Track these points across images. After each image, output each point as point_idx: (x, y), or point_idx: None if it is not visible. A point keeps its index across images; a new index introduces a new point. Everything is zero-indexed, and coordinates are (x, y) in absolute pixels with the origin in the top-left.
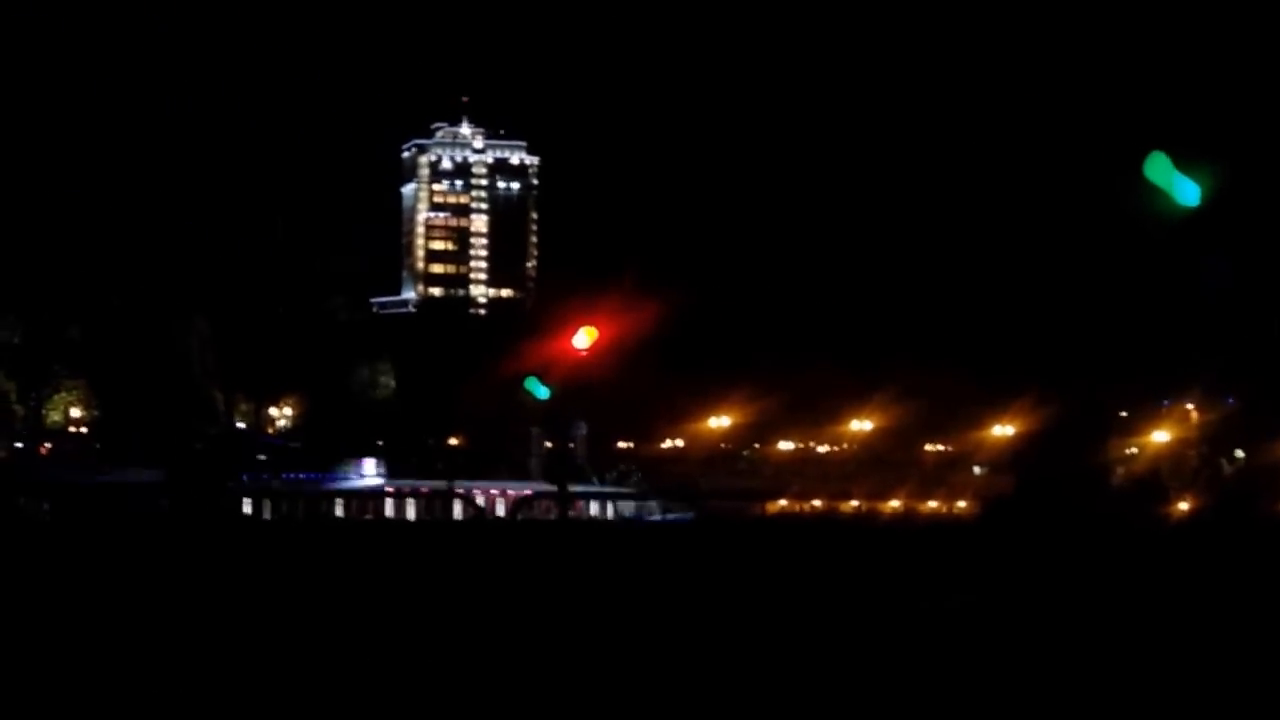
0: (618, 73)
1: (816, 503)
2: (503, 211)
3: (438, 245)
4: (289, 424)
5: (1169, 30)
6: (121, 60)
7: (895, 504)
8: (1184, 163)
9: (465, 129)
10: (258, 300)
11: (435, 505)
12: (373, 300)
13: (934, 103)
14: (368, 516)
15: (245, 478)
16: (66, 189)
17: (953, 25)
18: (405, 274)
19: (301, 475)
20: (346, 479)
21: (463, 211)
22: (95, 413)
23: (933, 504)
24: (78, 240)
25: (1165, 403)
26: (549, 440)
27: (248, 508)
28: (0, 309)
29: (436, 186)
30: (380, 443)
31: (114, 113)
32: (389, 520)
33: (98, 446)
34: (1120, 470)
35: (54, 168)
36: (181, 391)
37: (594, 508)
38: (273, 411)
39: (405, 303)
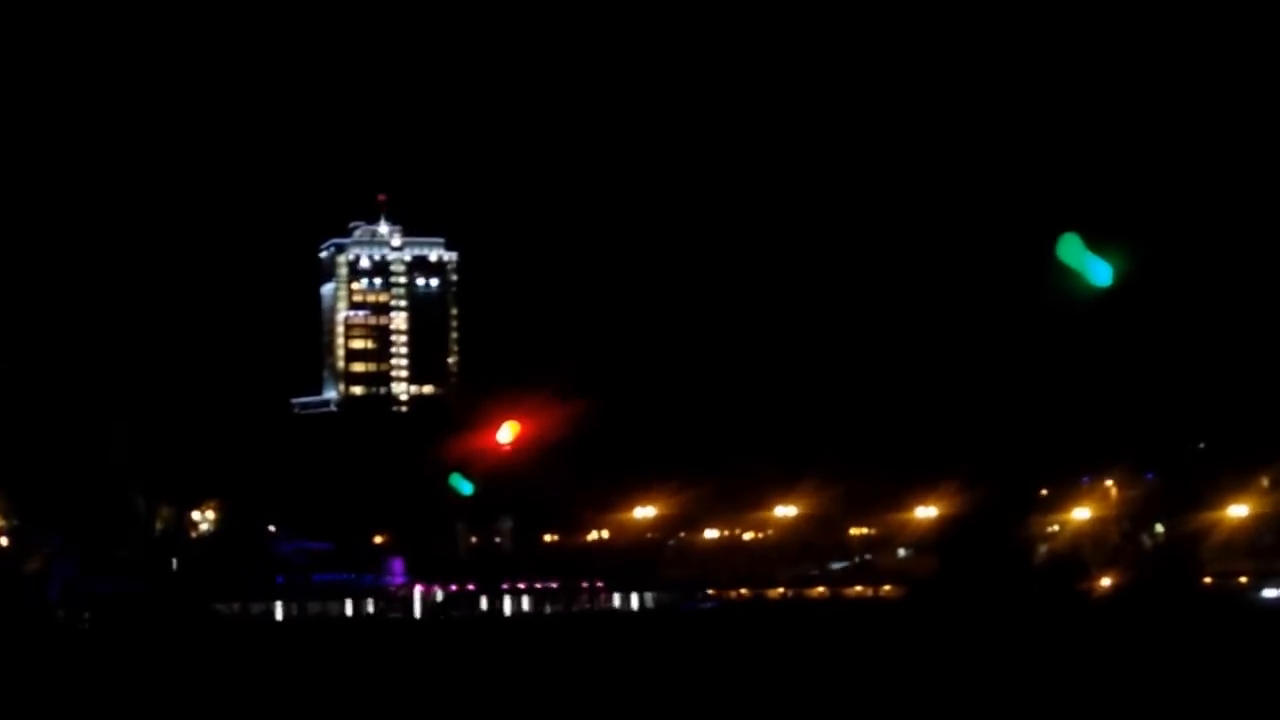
0: (533, 167)
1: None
2: (422, 308)
3: (358, 344)
4: (211, 527)
5: (1080, 112)
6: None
7: (820, 590)
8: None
9: (383, 227)
10: (177, 405)
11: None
12: (294, 400)
13: (853, 184)
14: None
15: (280, 580)
16: None
17: (876, 111)
18: (326, 373)
19: (341, 576)
20: (382, 579)
21: (382, 309)
22: (14, 521)
23: (858, 588)
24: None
25: (1085, 480)
26: (474, 535)
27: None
28: None
29: (355, 285)
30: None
31: (35, 217)
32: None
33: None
34: (1042, 547)
35: None
36: (102, 497)
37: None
38: (195, 515)
39: (327, 402)
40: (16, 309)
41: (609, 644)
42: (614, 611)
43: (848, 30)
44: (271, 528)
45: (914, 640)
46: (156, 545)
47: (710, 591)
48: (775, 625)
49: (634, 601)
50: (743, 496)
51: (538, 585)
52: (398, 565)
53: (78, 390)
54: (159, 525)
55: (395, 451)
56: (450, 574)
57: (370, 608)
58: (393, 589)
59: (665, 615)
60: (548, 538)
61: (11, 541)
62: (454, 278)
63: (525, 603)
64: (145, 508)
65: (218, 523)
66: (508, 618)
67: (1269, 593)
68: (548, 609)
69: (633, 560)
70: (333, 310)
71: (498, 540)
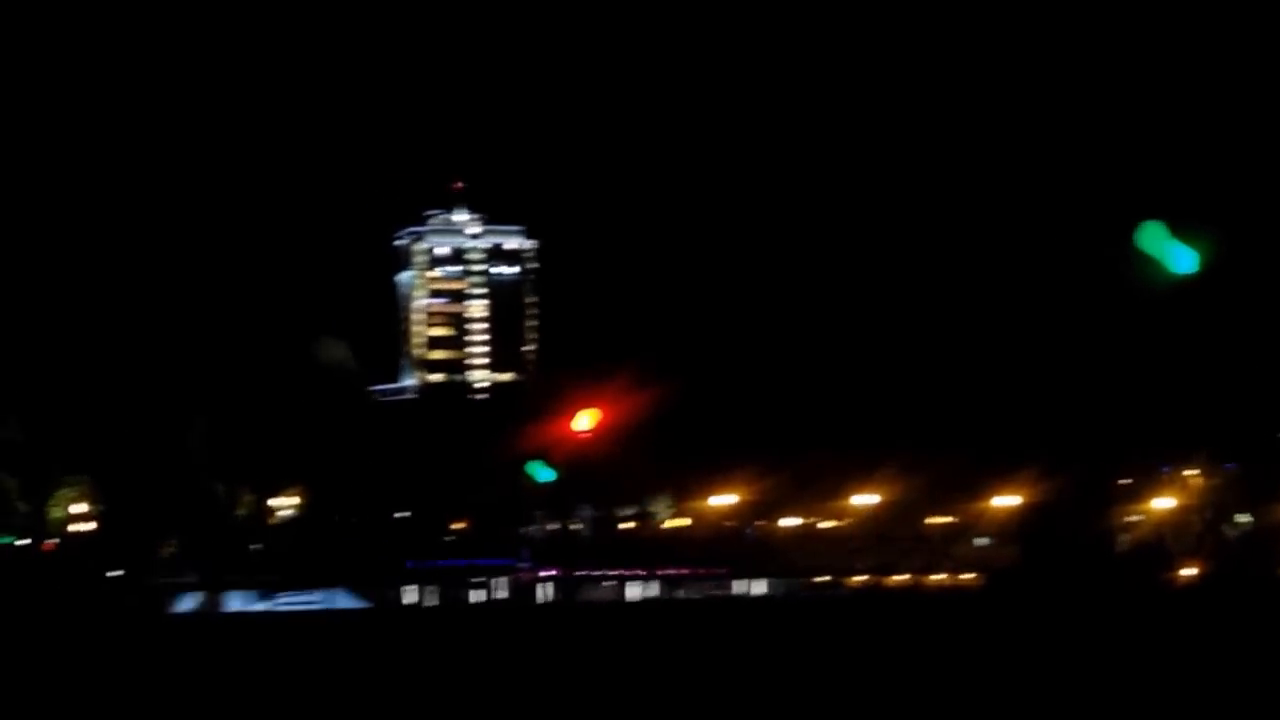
0: (612, 153)
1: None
2: (500, 296)
3: (436, 331)
4: (292, 514)
5: (1166, 100)
6: (119, 155)
7: (901, 577)
8: (1179, 232)
9: (460, 215)
10: (258, 393)
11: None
12: (372, 388)
13: (933, 174)
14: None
15: (410, 564)
16: (68, 287)
17: (953, 94)
18: (404, 361)
19: (460, 562)
20: (518, 564)
21: (460, 297)
22: (99, 508)
23: (938, 576)
24: (79, 338)
25: (1167, 469)
26: (552, 523)
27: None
28: (2, 408)
29: (433, 273)
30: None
31: (113, 214)
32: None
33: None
34: (1124, 537)
35: (55, 266)
36: (183, 485)
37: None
38: (274, 502)
39: (405, 389)
40: (100, 299)
41: (767, 629)
42: (745, 598)
43: (929, 11)
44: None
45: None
46: (237, 532)
47: (834, 579)
48: (903, 613)
49: (759, 588)
50: (820, 484)
51: (624, 572)
52: (526, 551)
53: (161, 378)
54: (239, 512)
55: (473, 439)
56: (573, 560)
57: (502, 593)
58: (521, 573)
59: (797, 602)
60: (624, 525)
61: (100, 527)
62: (532, 265)
63: (654, 589)
64: (225, 494)
65: (298, 509)
66: (651, 602)
67: None
68: (680, 594)
69: (755, 548)
70: (410, 298)
71: (576, 527)
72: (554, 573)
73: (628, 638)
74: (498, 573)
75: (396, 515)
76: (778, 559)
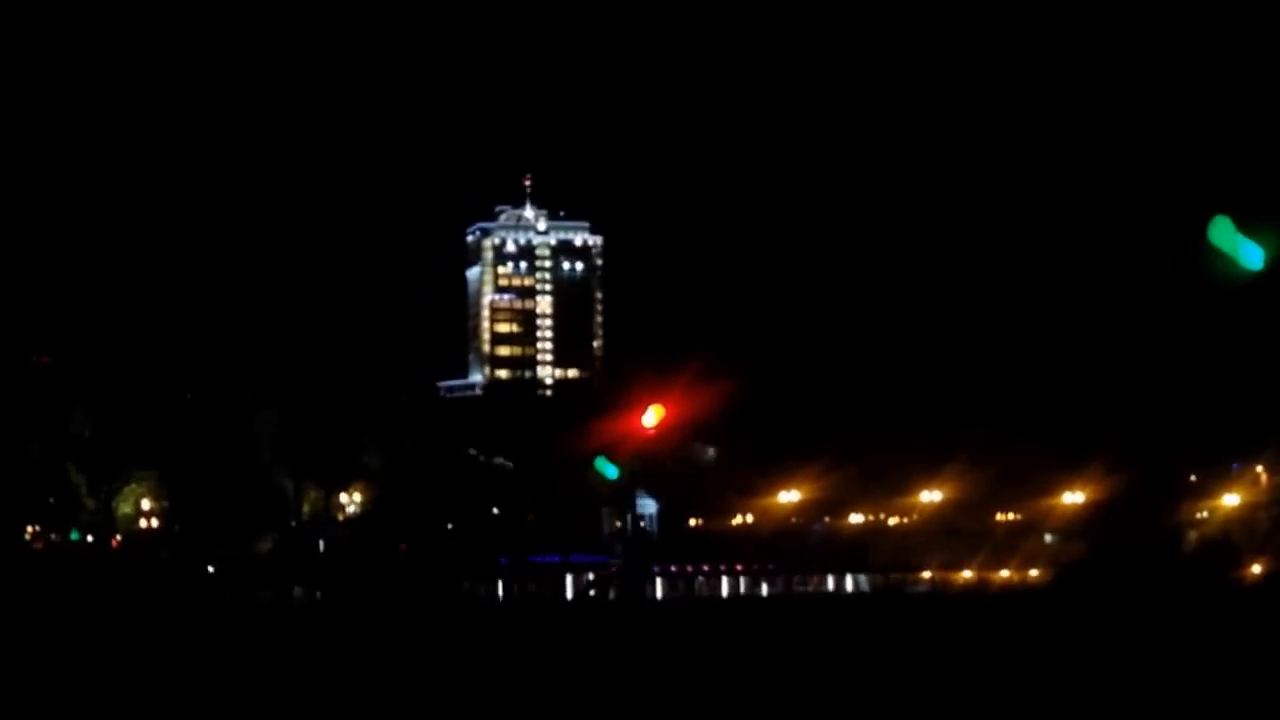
0: (679, 151)
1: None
2: (567, 292)
3: (503, 328)
4: (358, 510)
5: (1236, 96)
6: (194, 155)
7: (967, 574)
8: (1248, 227)
9: (528, 211)
10: (326, 389)
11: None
12: (440, 384)
13: (1004, 171)
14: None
15: (503, 560)
16: (138, 282)
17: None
18: (471, 357)
19: (553, 558)
20: (610, 560)
21: (528, 293)
22: (165, 504)
23: (1005, 573)
24: (147, 334)
25: (1235, 466)
26: (619, 519)
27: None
28: (69, 404)
29: (501, 269)
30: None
31: (185, 213)
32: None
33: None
34: (1192, 534)
35: (126, 260)
36: (251, 481)
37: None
38: (342, 498)
39: (472, 385)
40: (170, 293)
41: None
42: (839, 594)
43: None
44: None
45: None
46: (302, 528)
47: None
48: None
49: (848, 584)
50: (887, 481)
51: (689, 569)
52: (620, 547)
53: (228, 376)
54: (306, 508)
55: (540, 435)
56: (669, 556)
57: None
58: (613, 570)
59: (893, 599)
60: (692, 521)
61: (162, 524)
62: (599, 261)
63: (739, 585)
64: (294, 491)
65: (363, 505)
66: (750, 598)
67: None
68: (765, 590)
69: (846, 545)
70: (478, 294)
71: (642, 524)
72: (654, 570)
73: (738, 633)
74: (592, 569)
75: (494, 511)
76: (856, 555)
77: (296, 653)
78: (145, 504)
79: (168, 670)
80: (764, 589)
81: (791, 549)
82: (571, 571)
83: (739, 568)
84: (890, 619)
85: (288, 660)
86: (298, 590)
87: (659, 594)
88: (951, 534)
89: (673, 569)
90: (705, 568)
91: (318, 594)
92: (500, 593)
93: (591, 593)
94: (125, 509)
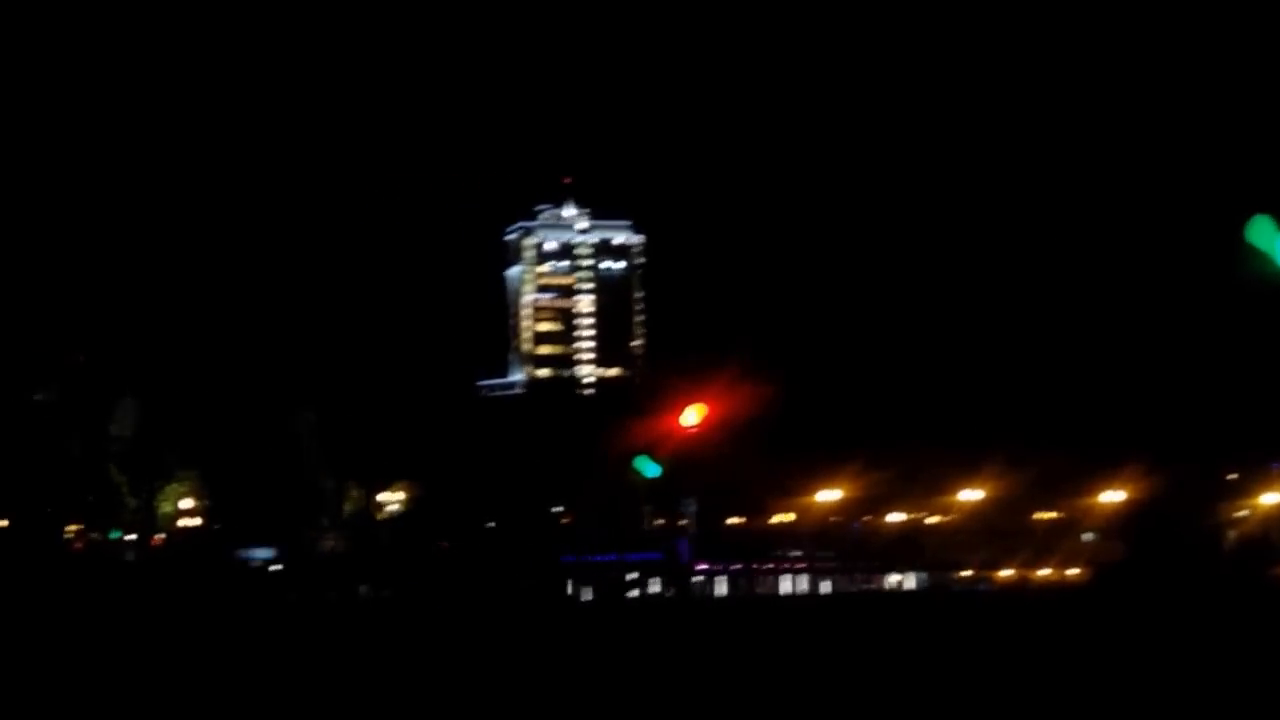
0: (720, 149)
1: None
2: (608, 291)
3: (544, 326)
4: (400, 508)
5: (1273, 94)
6: (227, 159)
7: (1007, 573)
8: None
9: (569, 210)
10: (367, 388)
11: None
12: (481, 383)
13: (1033, 170)
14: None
15: (568, 559)
16: (178, 283)
17: (1051, 90)
18: (512, 356)
19: (610, 557)
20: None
21: (568, 292)
22: (206, 503)
23: (1044, 571)
24: (188, 332)
25: (1276, 465)
26: (660, 517)
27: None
28: (111, 403)
29: (541, 268)
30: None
31: (222, 214)
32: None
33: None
34: (1231, 533)
35: (167, 261)
36: (292, 480)
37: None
38: (383, 497)
39: (513, 385)
40: (211, 293)
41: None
42: (900, 591)
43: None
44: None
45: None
46: (367, 526)
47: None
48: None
49: (909, 581)
50: (926, 480)
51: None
52: (683, 546)
53: (269, 374)
54: (347, 507)
55: (580, 433)
56: (727, 554)
57: (655, 587)
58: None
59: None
60: (732, 520)
61: (206, 522)
62: (639, 260)
63: (803, 582)
64: (334, 489)
65: (406, 503)
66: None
67: None
68: (827, 587)
69: (900, 542)
70: (519, 293)
71: (683, 522)
72: (720, 568)
73: (808, 631)
74: (655, 568)
75: (554, 510)
76: (913, 554)
77: (372, 651)
78: (187, 503)
79: (216, 672)
80: (827, 585)
81: (850, 546)
82: (630, 570)
83: (801, 565)
84: (936, 616)
85: (361, 659)
86: (363, 588)
87: (723, 591)
88: (992, 533)
89: (736, 566)
90: (770, 565)
91: (384, 592)
92: (571, 590)
93: (634, 591)
94: (166, 508)
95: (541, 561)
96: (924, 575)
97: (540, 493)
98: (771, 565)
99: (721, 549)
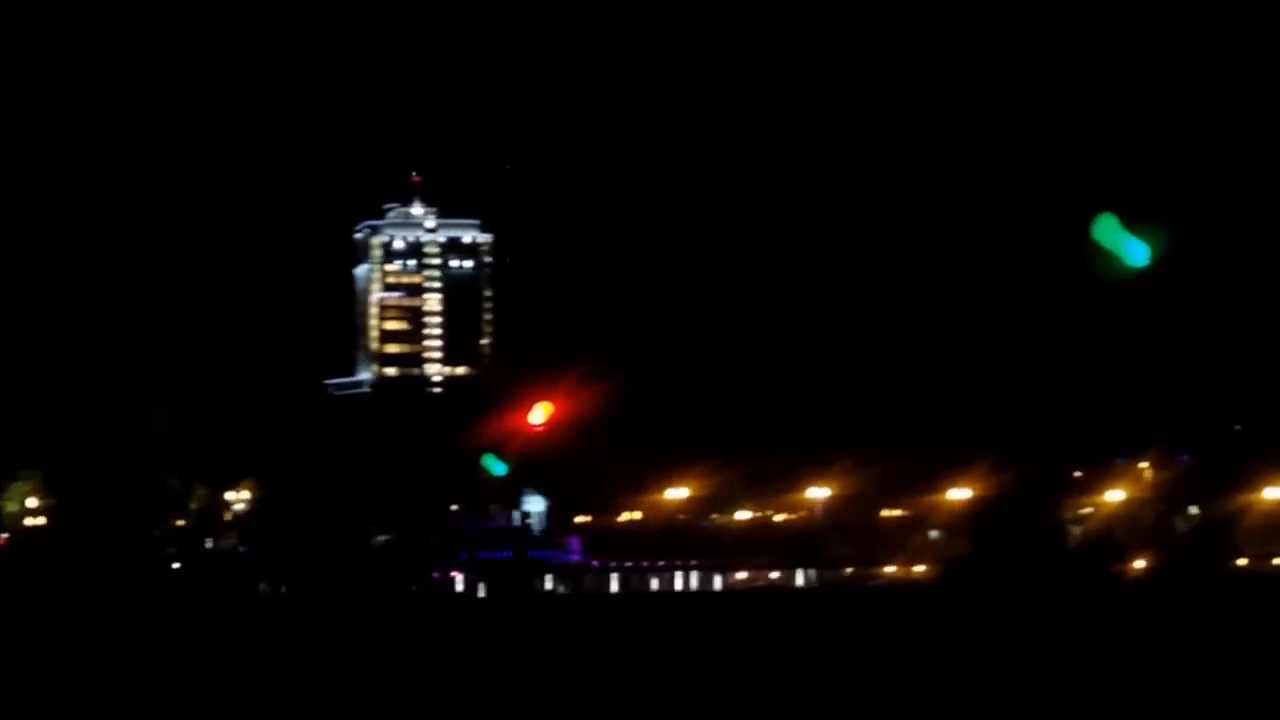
0: (569, 146)
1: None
2: (456, 290)
3: (392, 325)
4: (246, 508)
5: (1117, 93)
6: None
7: (849, 570)
8: (1133, 224)
9: (417, 209)
10: (212, 386)
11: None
12: (327, 381)
13: (883, 169)
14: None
15: (463, 556)
16: (23, 276)
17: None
18: (360, 355)
19: (534, 554)
20: (564, 556)
21: (416, 291)
22: (52, 501)
23: (890, 569)
24: (33, 328)
25: (1120, 461)
26: (505, 515)
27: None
28: None
29: (389, 267)
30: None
31: (72, 203)
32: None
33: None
34: (1076, 530)
35: (10, 254)
36: (138, 478)
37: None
38: (229, 496)
39: (361, 383)
40: (57, 289)
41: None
42: (794, 588)
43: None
44: (454, 506)
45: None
46: (200, 525)
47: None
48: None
49: (799, 579)
50: (775, 477)
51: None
52: (574, 543)
53: (116, 372)
54: (194, 505)
55: (429, 432)
56: (622, 553)
57: (549, 584)
58: (571, 566)
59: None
60: (579, 518)
61: (50, 521)
62: (488, 259)
63: (692, 579)
64: (181, 489)
65: (252, 503)
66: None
67: None
68: (718, 585)
69: (799, 538)
70: (367, 292)
71: (527, 520)
72: (612, 564)
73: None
74: (549, 566)
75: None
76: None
77: (272, 650)
78: (33, 502)
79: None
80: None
81: (734, 543)
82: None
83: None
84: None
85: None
86: (263, 586)
87: (615, 588)
88: (838, 531)
89: (594, 564)
90: (644, 564)
91: (282, 589)
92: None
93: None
94: (11, 507)
95: (434, 559)
96: (813, 572)
97: (433, 490)
98: (662, 563)
99: (613, 547)
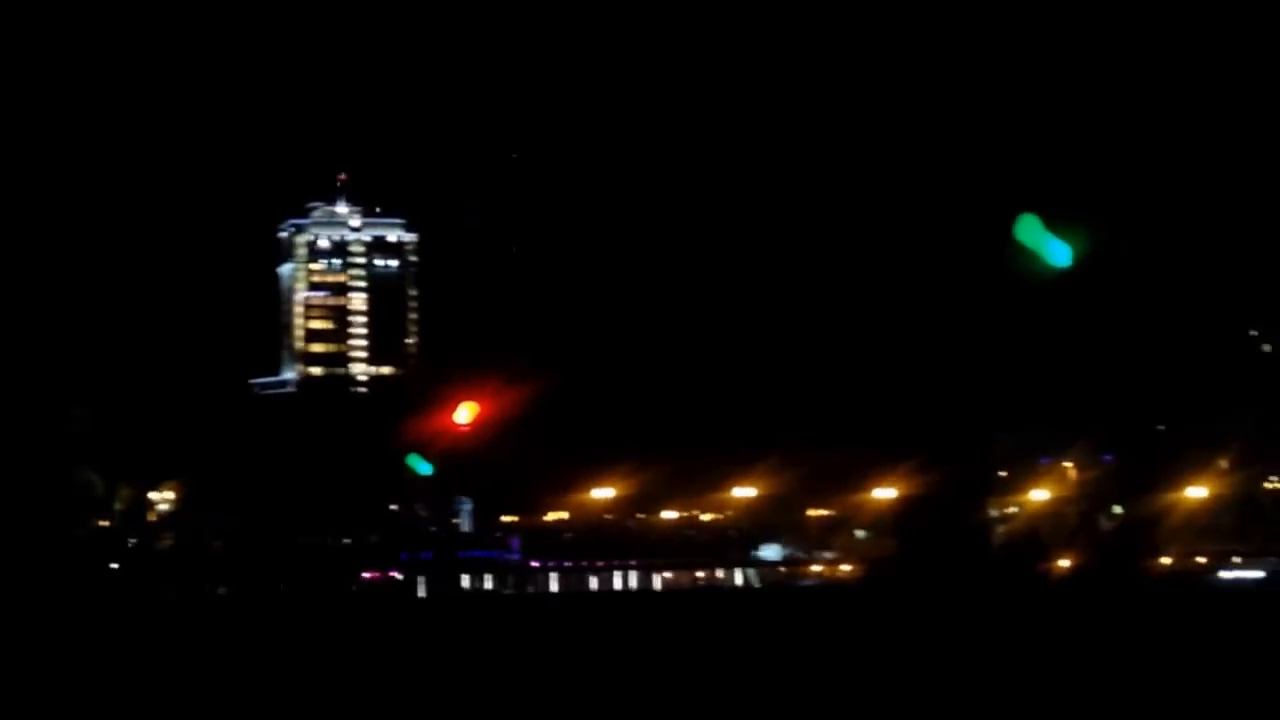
0: (495, 146)
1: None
2: (381, 289)
3: (317, 324)
4: (170, 508)
5: (1043, 93)
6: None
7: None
8: (1055, 225)
9: (342, 207)
10: (137, 386)
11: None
12: (253, 380)
13: (806, 168)
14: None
15: (403, 557)
16: None
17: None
18: (285, 354)
19: (476, 553)
20: (505, 555)
21: (341, 290)
22: None
23: (817, 568)
24: None
25: (1044, 461)
26: (431, 515)
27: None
28: None
29: (314, 266)
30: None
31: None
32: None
33: None
34: (1000, 529)
35: None
36: (60, 478)
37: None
38: (153, 496)
39: (286, 383)
40: None
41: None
42: (738, 588)
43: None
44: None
45: (877, 621)
46: (127, 526)
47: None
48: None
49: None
50: (701, 477)
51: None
52: (515, 543)
53: (37, 372)
54: (117, 506)
55: (354, 432)
56: (561, 553)
57: (489, 584)
58: (510, 565)
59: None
60: (505, 518)
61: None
62: (413, 258)
63: (631, 579)
64: (103, 489)
65: (175, 503)
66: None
67: (1226, 574)
68: (659, 583)
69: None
70: (291, 290)
71: (454, 520)
72: (552, 564)
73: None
74: (489, 565)
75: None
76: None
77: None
78: None
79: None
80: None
81: (659, 543)
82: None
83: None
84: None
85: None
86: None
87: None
88: (763, 530)
89: (534, 564)
90: (584, 564)
91: (220, 590)
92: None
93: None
94: None
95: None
96: (752, 571)
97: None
98: (601, 563)
99: (549, 547)
